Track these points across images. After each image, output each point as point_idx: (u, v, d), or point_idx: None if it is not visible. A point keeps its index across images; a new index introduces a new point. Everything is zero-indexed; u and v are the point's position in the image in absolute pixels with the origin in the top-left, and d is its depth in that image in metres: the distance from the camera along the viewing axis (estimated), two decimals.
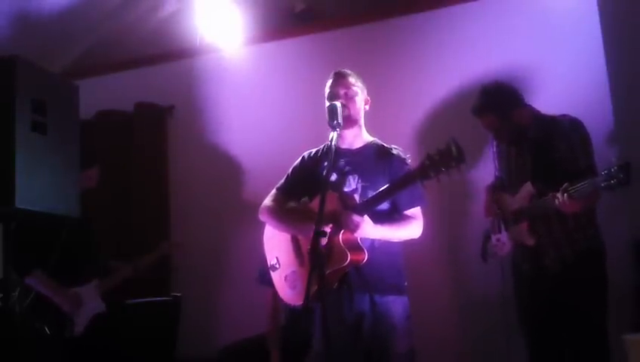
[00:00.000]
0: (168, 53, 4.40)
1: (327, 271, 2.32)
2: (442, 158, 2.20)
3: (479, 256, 3.07)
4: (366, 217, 2.43)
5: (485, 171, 3.22)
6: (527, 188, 2.77)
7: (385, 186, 2.44)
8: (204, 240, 4.14)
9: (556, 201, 2.49)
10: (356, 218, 2.40)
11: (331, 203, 2.42)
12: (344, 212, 2.42)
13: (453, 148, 2.17)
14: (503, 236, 2.91)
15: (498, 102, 2.85)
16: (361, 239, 2.48)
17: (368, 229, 2.44)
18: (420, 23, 3.85)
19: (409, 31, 3.86)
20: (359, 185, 2.58)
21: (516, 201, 2.82)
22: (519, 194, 2.80)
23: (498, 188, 3.05)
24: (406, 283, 2.61)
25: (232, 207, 4.13)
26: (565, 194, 2.45)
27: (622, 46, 3.23)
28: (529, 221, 2.75)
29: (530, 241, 2.74)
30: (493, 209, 3.00)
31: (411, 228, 2.58)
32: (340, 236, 2.42)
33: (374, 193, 2.47)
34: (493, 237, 2.97)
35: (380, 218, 2.51)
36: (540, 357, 2.78)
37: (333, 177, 2.60)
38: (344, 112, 2.54)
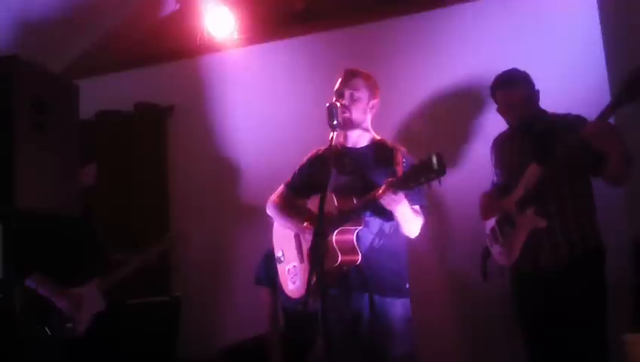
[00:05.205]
0: (168, 53, 4.40)
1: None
2: (423, 169, 2.20)
3: (478, 255, 3.05)
4: (401, 194, 2.38)
5: (483, 168, 3.20)
6: (533, 168, 2.67)
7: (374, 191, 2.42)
8: (205, 240, 4.13)
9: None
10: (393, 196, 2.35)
11: (327, 204, 2.42)
12: (383, 188, 2.37)
13: (434, 161, 2.16)
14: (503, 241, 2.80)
15: (530, 77, 2.84)
16: (362, 239, 2.48)
17: (404, 206, 2.43)
18: (419, 22, 3.85)
19: (409, 31, 3.85)
20: (360, 184, 2.57)
21: (521, 187, 2.72)
22: (524, 177, 2.70)
23: (495, 195, 2.95)
24: (408, 286, 2.60)
25: (232, 207, 4.13)
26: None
27: (622, 46, 3.22)
28: (535, 207, 2.66)
29: (542, 223, 2.63)
30: (495, 207, 2.87)
31: (417, 223, 2.57)
32: (333, 237, 2.41)
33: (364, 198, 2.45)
34: (495, 250, 2.85)
35: None
36: (539, 358, 2.77)
37: (336, 176, 2.62)
38: (345, 114, 2.57)
